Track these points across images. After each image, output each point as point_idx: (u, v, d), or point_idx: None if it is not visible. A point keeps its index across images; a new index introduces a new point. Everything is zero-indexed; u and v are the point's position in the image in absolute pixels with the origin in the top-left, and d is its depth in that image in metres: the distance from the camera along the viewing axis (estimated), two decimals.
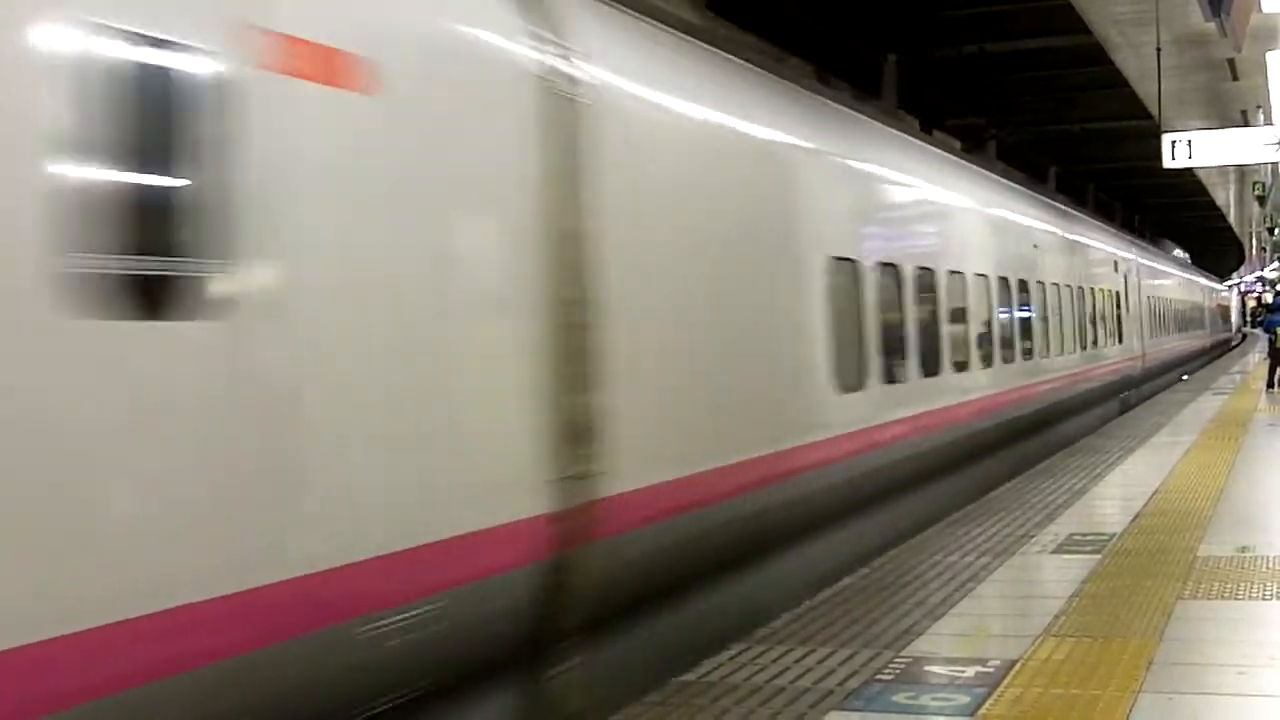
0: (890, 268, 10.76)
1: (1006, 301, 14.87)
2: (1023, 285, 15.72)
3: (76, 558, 3.60)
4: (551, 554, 5.67)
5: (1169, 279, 35.77)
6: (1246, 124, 25.46)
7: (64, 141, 3.65)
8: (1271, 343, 25.47)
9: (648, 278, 6.73)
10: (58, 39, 3.67)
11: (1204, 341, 45.62)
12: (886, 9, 20.97)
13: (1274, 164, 29.55)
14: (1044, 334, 16.82)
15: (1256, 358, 38.24)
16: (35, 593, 3.48)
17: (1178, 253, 57.42)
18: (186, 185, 4.04)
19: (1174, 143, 20.89)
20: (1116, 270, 23.89)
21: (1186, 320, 38.72)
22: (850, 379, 9.54)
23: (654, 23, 7.62)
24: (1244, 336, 68.75)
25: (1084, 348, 19.56)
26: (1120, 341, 23.57)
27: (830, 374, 9.16)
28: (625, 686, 6.07)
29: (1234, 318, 72.75)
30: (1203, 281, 50.60)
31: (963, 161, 15.55)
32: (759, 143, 8.56)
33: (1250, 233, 58.91)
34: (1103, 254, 22.99)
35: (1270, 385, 24.51)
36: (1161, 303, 31.69)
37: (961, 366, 12.87)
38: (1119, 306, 23.70)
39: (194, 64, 4.06)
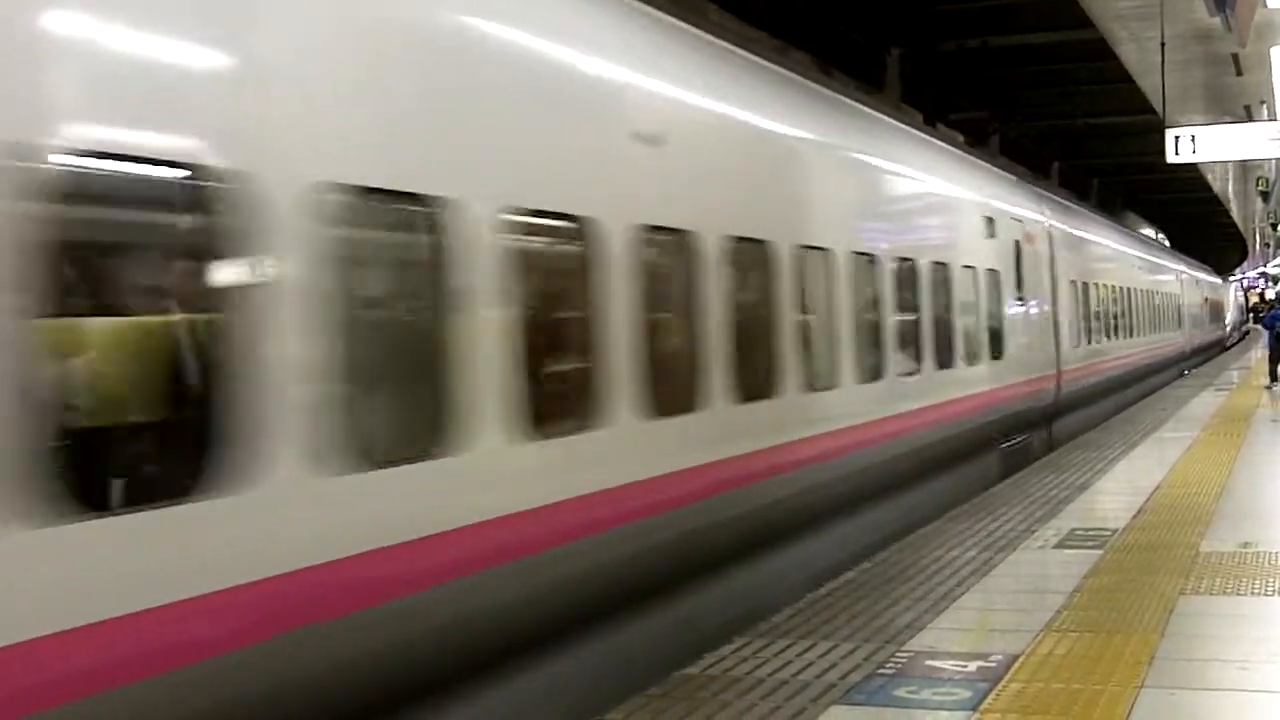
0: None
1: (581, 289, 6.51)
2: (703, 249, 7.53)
3: None
4: None
5: (1117, 259, 25.25)
6: (1250, 119, 25.42)
7: None
8: (1278, 338, 25.36)
9: None
10: None
11: (1180, 346, 35.19)
12: (890, 2, 20.96)
13: (1278, 159, 29.50)
14: (731, 361, 7.84)
15: (1259, 353, 38.21)
16: None
17: (1149, 231, 49.79)
18: None
19: (1177, 138, 20.85)
20: (993, 233, 14.50)
21: (1151, 318, 28.78)
22: None
23: None
24: (1245, 334, 66.54)
25: (874, 375, 10.30)
26: (998, 355, 14.25)
27: None
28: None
29: (1230, 315, 61.82)
30: (1181, 268, 38.80)
31: None
32: None
33: (1254, 228, 58.89)
34: (955, 202, 13.51)
35: (1273, 380, 24.47)
36: (1102, 292, 22.04)
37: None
38: (997, 295, 14.39)
39: None
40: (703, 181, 7.93)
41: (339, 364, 4.83)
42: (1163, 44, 19.29)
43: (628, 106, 7.27)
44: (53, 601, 3.84)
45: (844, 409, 9.74)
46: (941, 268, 12.30)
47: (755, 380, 8.25)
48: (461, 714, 5.51)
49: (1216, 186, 43.86)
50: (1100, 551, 8.61)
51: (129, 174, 4.24)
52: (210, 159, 4.40)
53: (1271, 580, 7.54)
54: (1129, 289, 25.43)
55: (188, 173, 4.37)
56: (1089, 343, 20.43)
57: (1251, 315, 71.97)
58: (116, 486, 4.23)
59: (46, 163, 3.88)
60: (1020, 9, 22.08)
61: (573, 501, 6.27)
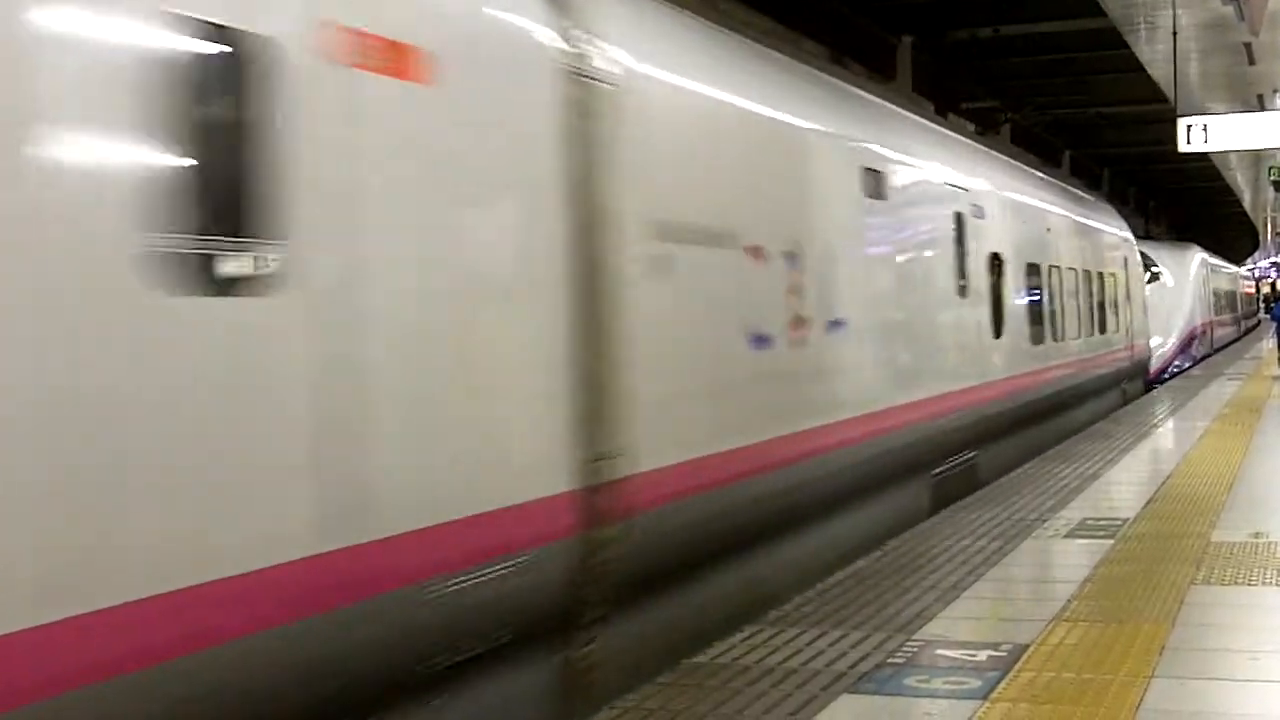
0: None
1: None
2: None
3: None
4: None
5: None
6: (1263, 108, 25.32)
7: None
8: None
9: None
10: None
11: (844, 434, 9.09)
12: None
13: None
14: None
15: (1271, 342, 38.05)
16: None
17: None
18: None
19: (1189, 127, 20.77)
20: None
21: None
22: None
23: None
24: (1257, 323, 64.51)
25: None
26: None
27: None
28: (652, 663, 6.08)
29: (1183, 312, 33.34)
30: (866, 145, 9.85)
31: None
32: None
33: (1265, 218, 58.67)
34: None
35: None
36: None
37: None
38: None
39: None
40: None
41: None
42: (1175, 33, 19.22)
43: None
44: None
45: None
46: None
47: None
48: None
49: (1228, 176, 43.71)
50: (1111, 541, 8.60)
51: None
52: None
53: None
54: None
55: None
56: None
57: (1265, 306, 71.42)
58: None
59: None
60: None
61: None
